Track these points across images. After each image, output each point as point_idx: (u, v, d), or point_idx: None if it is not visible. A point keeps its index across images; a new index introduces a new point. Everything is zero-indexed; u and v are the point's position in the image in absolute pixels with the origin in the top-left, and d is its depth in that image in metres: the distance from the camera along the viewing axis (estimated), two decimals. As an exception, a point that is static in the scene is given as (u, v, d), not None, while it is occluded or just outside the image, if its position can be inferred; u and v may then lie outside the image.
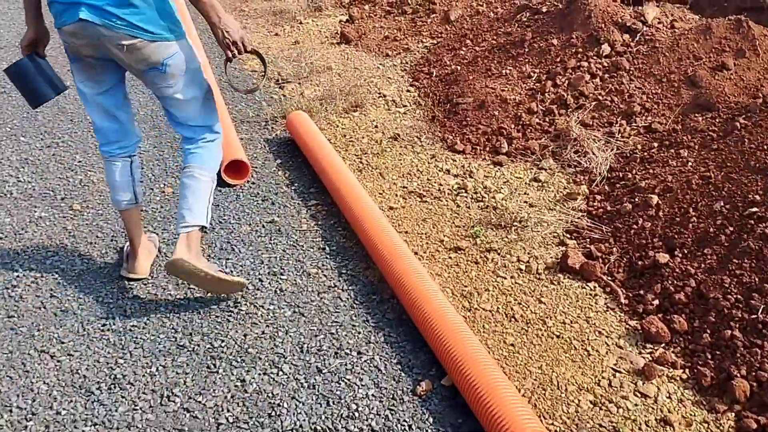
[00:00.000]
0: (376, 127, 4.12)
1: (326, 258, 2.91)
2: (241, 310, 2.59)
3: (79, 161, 3.79)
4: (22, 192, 3.45)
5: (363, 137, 4.01)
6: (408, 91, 4.60)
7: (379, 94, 4.59)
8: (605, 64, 3.74)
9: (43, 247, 2.98)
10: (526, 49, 4.16)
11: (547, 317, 2.49)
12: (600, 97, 3.60)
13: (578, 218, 2.98)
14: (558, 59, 3.94)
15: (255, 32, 6.19)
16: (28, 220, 3.20)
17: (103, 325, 2.51)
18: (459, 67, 4.49)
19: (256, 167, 3.71)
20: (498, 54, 4.33)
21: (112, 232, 3.11)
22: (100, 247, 2.98)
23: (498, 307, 2.56)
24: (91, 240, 3.04)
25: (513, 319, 2.50)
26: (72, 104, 4.58)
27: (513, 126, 3.69)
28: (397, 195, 3.40)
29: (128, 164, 2.65)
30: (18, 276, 2.79)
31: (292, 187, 3.51)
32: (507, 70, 4.09)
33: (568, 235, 2.92)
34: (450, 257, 2.88)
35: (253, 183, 3.55)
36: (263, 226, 3.16)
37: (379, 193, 3.42)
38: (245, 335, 2.46)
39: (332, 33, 6.03)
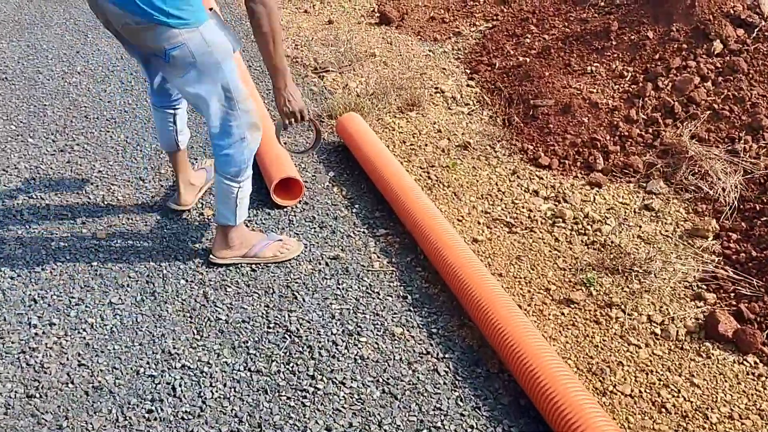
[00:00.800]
0: (440, 131, 3.58)
1: (410, 311, 2.40)
2: (318, 389, 2.09)
3: (99, 171, 3.25)
4: (34, 213, 2.92)
5: (426, 144, 3.46)
6: (468, 85, 4.04)
7: (436, 88, 4.02)
8: (718, 65, 3.18)
9: (66, 293, 2.46)
10: (614, 42, 3.59)
11: (707, 408, 1.99)
12: (715, 106, 3.06)
13: (714, 264, 2.47)
14: (656, 56, 3.37)
15: (281, 8, 5.57)
16: (45, 253, 2.67)
17: (149, 411, 2.01)
18: (528, 59, 3.92)
19: (306, 181, 3.17)
20: (577, 46, 3.76)
21: (147, 270, 2.58)
22: (133, 293, 2.47)
23: (641, 391, 2.06)
24: (122, 282, 2.52)
25: (664, 410, 2.00)
26: (85, 96, 4.01)
27: (608, 137, 3.16)
28: (479, 223, 2.87)
29: (171, 116, 2.71)
30: (37, 334, 2.28)
31: (353, 210, 2.98)
32: (592, 67, 3.53)
33: (704, 287, 2.41)
34: (562, 313, 2.37)
35: (306, 203, 3.02)
36: (327, 264, 2.64)
37: (458, 220, 2.90)
38: (329, 429, 1.95)
39: (368, 11, 5.42)
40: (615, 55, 3.52)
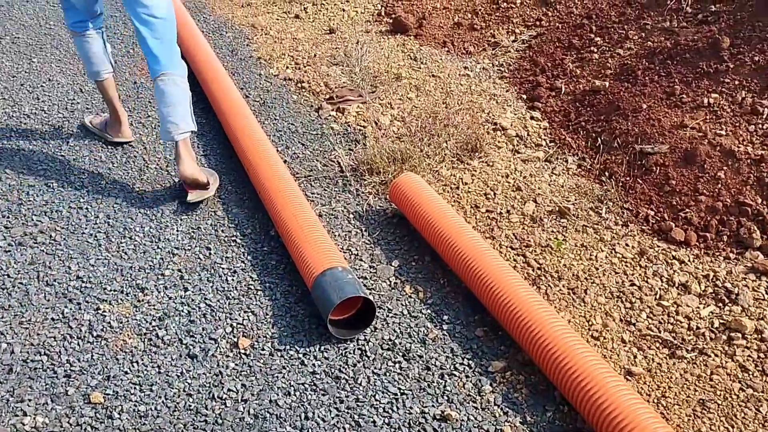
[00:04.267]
0: (519, 189, 2.78)
1: None
2: None
3: (78, 277, 2.39)
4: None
5: (507, 210, 2.67)
6: (533, 118, 3.24)
7: (494, 124, 3.21)
8: None
9: None
10: (730, 64, 2.84)
11: None
12: None
13: None
14: (799, 86, 2.64)
15: (268, 13, 4.65)
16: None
17: None
18: (607, 83, 3.15)
19: (365, 278, 2.36)
20: (675, 67, 2.99)
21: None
22: None
23: None
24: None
25: None
26: (41, 151, 3.08)
27: (760, 199, 2.42)
28: (624, 341, 2.10)
29: (101, 35, 2.87)
30: None
31: (443, 325, 2.18)
32: (709, 98, 2.77)
33: None
34: None
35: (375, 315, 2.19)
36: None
37: (593, 337, 2.12)
38: None
39: (373, 14, 4.56)
40: (737, 82, 2.77)
